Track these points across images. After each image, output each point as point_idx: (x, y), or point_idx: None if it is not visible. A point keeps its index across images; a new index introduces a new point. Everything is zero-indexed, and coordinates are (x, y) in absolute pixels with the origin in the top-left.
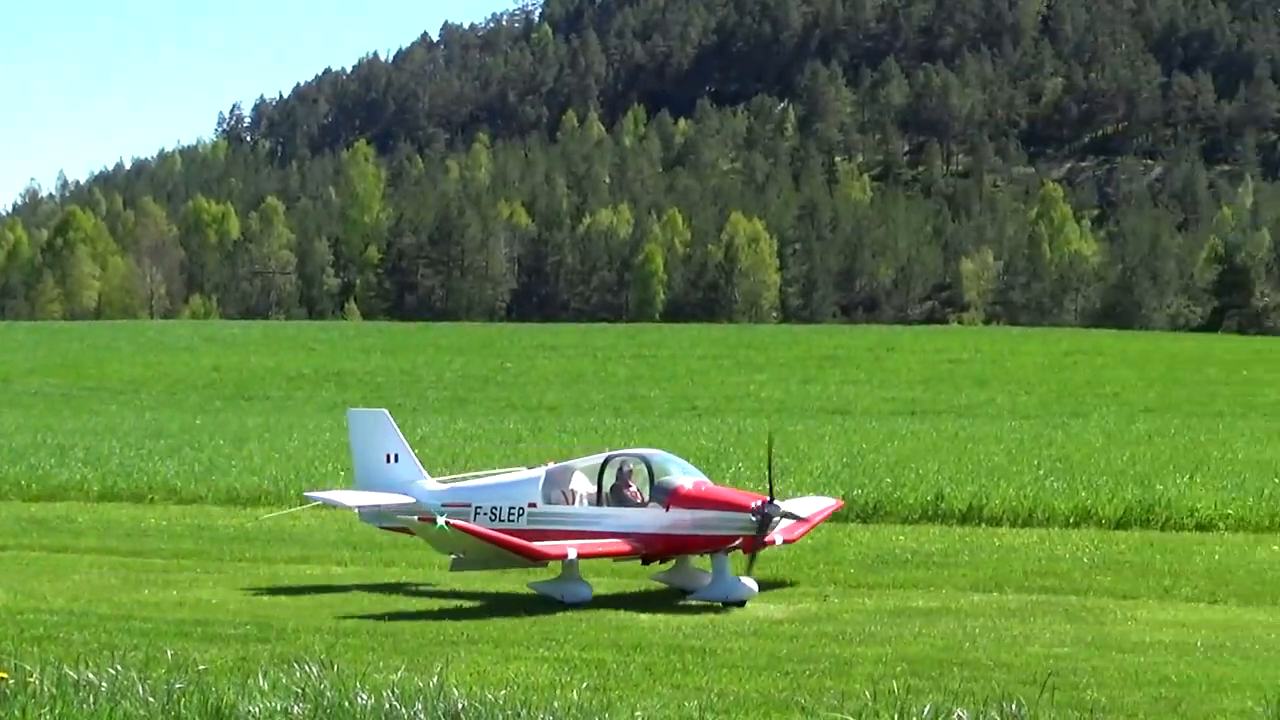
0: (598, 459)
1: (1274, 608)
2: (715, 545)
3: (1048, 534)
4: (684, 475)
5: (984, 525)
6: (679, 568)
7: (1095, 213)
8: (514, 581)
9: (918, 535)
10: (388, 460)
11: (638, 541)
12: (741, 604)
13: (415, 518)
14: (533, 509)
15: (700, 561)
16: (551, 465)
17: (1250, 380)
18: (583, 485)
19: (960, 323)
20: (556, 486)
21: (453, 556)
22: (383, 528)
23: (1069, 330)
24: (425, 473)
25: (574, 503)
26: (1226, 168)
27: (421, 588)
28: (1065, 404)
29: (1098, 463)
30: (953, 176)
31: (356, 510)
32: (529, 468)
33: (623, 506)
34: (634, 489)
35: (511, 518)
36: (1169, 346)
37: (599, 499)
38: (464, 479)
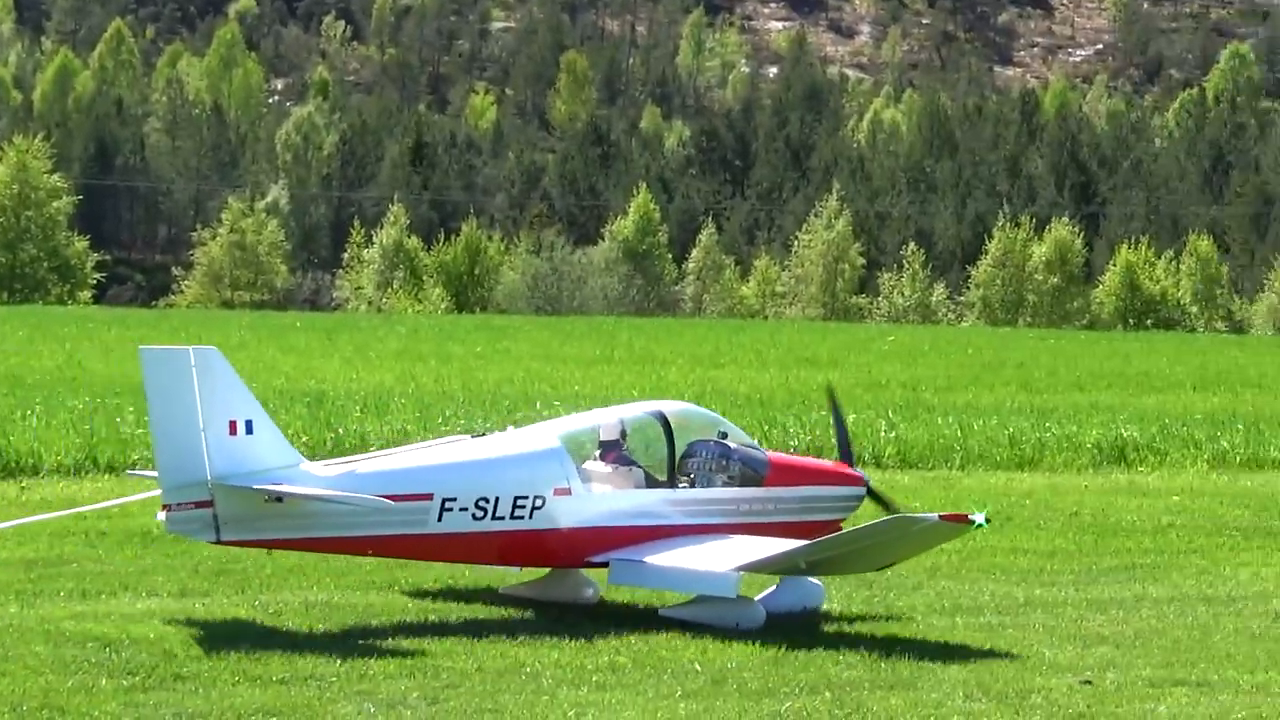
0: (606, 416)
1: None
2: (817, 534)
3: None
4: (738, 437)
5: None
6: (556, 574)
7: None
8: None
9: None
10: (231, 432)
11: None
12: (815, 611)
13: (935, 517)
14: (562, 497)
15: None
16: (561, 425)
17: None
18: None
19: None
20: (584, 460)
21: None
22: (239, 542)
23: None
24: (297, 452)
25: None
26: None
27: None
28: None
29: None
30: None
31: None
32: (480, 433)
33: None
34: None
35: (519, 512)
36: None
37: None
38: (367, 459)
